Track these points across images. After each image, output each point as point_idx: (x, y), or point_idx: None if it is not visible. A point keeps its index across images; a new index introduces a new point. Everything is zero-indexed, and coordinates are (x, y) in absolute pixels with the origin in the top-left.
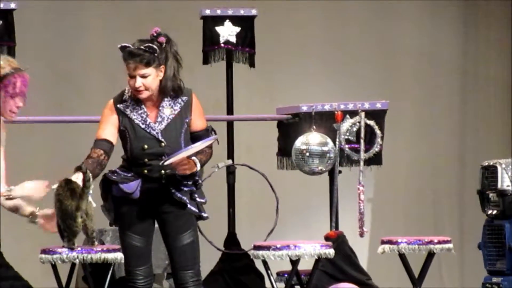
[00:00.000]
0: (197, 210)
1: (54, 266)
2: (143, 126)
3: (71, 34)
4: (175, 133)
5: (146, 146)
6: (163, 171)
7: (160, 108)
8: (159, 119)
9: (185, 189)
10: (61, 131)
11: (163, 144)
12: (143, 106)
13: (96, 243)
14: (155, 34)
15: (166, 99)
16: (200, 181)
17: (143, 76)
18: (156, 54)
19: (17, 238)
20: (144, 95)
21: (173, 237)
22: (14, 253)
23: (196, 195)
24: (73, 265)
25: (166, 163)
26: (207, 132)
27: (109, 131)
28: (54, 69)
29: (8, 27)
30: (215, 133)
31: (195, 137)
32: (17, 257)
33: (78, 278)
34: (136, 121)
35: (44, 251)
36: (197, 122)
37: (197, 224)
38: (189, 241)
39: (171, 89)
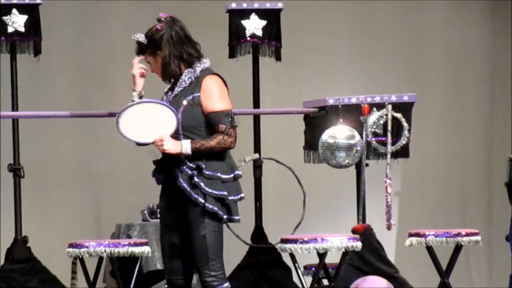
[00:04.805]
0: (198, 197)
1: (81, 260)
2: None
3: (96, 29)
4: (176, 106)
5: None
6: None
7: (178, 83)
8: (174, 93)
9: (188, 171)
10: (86, 126)
11: None
12: (173, 83)
13: None
14: (157, 21)
15: (183, 75)
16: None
17: (148, 62)
18: (146, 43)
19: (45, 233)
20: (161, 77)
21: (189, 233)
22: (42, 248)
23: (198, 181)
24: (100, 259)
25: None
26: (224, 116)
27: None
28: (79, 65)
29: (34, 22)
30: (233, 120)
31: (208, 119)
32: (45, 252)
33: (106, 272)
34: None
35: (71, 245)
36: (206, 104)
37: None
38: (199, 235)
39: (169, 72)
